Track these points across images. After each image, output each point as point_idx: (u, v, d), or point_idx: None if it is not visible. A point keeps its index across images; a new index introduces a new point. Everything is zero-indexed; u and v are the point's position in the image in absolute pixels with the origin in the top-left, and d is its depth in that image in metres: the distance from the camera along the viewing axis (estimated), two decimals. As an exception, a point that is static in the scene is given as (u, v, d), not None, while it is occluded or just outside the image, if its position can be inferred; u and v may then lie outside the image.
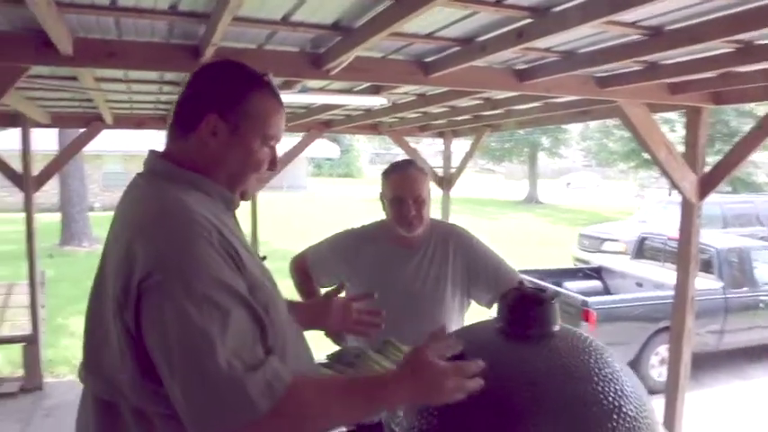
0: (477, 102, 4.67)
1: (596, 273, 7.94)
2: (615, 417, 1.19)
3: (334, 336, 2.71)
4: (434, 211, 2.77)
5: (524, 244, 15.92)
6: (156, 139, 4.49)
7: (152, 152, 1.41)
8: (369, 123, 6.27)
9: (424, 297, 2.37)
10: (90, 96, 4.14)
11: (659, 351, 6.17)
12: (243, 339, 1.16)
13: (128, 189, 1.40)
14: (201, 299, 1.13)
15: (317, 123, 6.26)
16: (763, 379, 6.51)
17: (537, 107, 4.71)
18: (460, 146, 9.74)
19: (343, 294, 2.03)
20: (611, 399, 1.21)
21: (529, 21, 2.35)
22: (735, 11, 2.20)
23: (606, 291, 7.61)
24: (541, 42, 2.60)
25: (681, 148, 3.95)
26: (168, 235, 1.19)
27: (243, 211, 5.54)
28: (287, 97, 3.95)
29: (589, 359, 1.29)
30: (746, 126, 15.39)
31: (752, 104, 13.54)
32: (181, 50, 2.76)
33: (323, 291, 2.75)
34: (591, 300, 5.98)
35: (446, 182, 6.97)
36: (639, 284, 7.19)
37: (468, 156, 6.94)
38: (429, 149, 40.03)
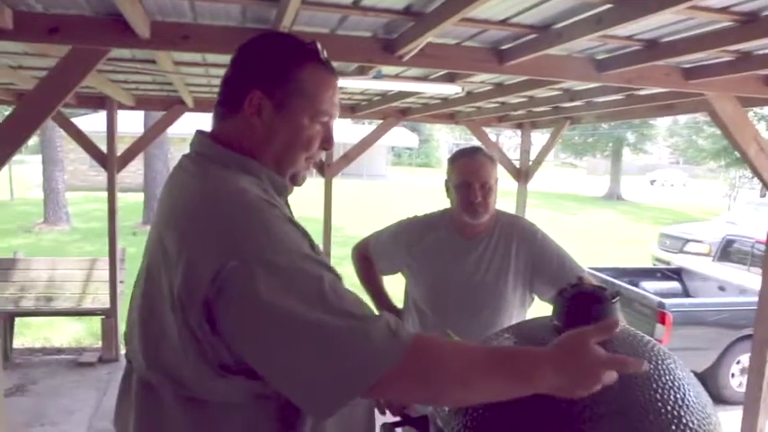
0: (556, 92, 4.54)
1: (676, 274, 7.60)
2: (674, 428, 1.12)
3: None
4: (510, 204, 2.70)
5: (603, 241, 15.49)
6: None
7: (199, 132, 1.33)
8: (446, 112, 6.20)
9: (484, 289, 2.31)
10: (170, 80, 4.26)
11: (741, 360, 5.85)
12: (346, 296, 1.08)
13: (174, 172, 1.32)
14: (289, 274, 1.06)
15: (394, 111, 6.23)
16: None
17: (618, 100, 4.53)
18: (542, 140, 9.54)
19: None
20: (670, 408, 1.14)
21: (608, 6, 2.25)
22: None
23: (685, 293, 7.28)
24: (622, 30, 2.48)
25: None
26: (229, 219, 1.11)
27: (317, 197, 5.58)
28: (362, 83, 3.95)
29: (650, 364, 1.21)
30: None
31: None
32: (254, 34, 2.78)
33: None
34: (668, 301, 5.71)
35: (523, 174, 6.82)
36: (722, 288, 6.83)
37: (547, 148, 6.76)
38: (510, 142, 39.61)
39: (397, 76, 3.99)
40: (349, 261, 2.77)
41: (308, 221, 1.27)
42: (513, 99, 5.01)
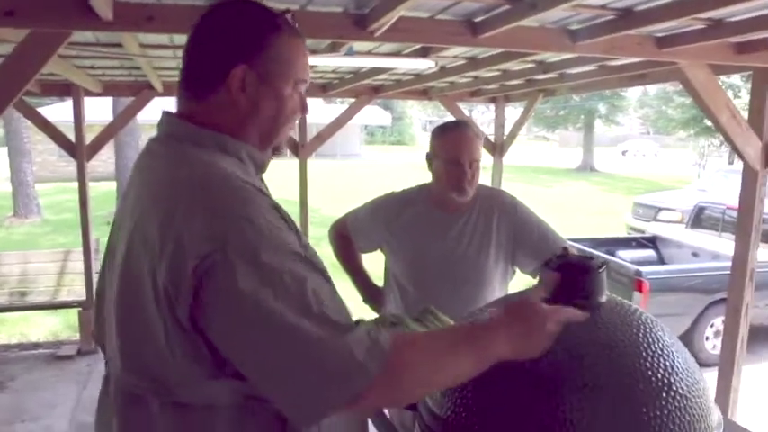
0: (529, 65, 4.52)
1: (651, 242, 7.72)
2: (664, 395, 1.12)
3: (373, 303, 2.69)
4: (486, 179, 2.69)
5: (578, 212, 15.64)
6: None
7: (168, 114, 1.24)
8: (419, 89, 6.15)
9: (466, 263, 2.29)
10: (137, 64, 4.16)
11: (714, 323, 5.99)
12: (329, 303, 1.04)
13: (143, 157, 1.25)
14: (271, 272, 1.01)
15: (367, 89, 6.17)
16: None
17: (591, 71, 4.53)
18: (515, 114, 9.55)
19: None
20: (660, 375, 1.13)
21: (581, -25, 2.23)
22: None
23: (660, 261, 7.41)
24: (595, -1, 2.47)
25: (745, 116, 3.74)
26: (216, 206, 1.05)
27: (292, 178, 5.54)
28: (334, 61, 3.89)
29: (638, 333, 1.21)
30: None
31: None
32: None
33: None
34: (644, 269, 5.80)
35: (498, 148, 6.82)
36: (695, 255, 6.95)
37: (521, 121, 6.77)
38: (482, 117, 39.63)
39: (369, 53, 3.93)
40: (327, 242, 2.74)
41: (285, 203, 1.23)
42: (486, 73, 4.98)
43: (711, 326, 6.06)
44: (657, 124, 31.83)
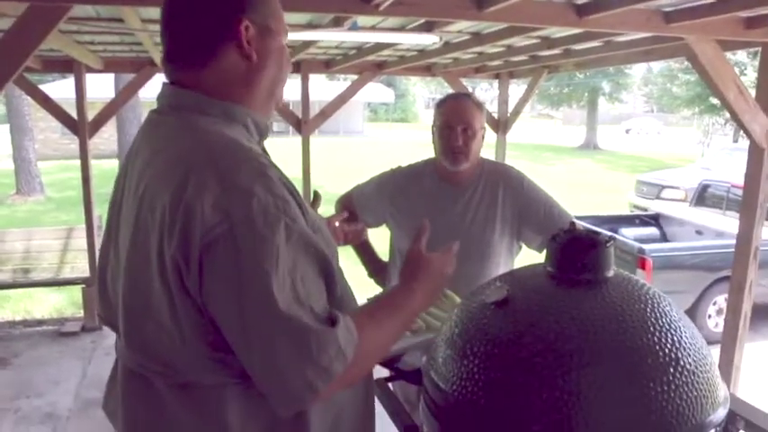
0: (534, 41, 4.47)
1: (654, 220, 7.70)
2: (672, 370, 1.11)
3: (378, 277, 2.68)
4: (489, 156, 2.67)
5: (581, 190, 15.58)
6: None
7: (170, 85, 1.21)
8: (422, 65, 6.10)
9: (471, 238, 2.28)
10: (139, 39, 4.12)
11: (717, 301, 5.99)
12: (316, 290, 1.08)
13: (146, 129, 1.22)
14: (272, 251, 1.00)
15: (370, 65, 6.12)
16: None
17: (597, 47, 4.48)
18: (518, 92, 9.49)
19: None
20: (667, 350, 1.12)
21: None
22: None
23: (664, 238, 7.39)
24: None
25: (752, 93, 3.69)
26: (226, 178, 1.03)
27: (295, 155, 5.52)
28: (337, 35, 3.85)
29: (645, 308, 1.19)
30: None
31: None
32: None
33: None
34: (647, 247, 5.79)
35: (502, 125, 6.77)
36: (699, 233, 6.93)
37: (525, 98, 6.71)
38: (486, 95, 39.40)
39: (373, 28, 3.89)
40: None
41: (288, 181, 1.21)
42: (490, 49, 4.93)
43: (714, 304, 6.05)
44: (662, 102, 31.71)
